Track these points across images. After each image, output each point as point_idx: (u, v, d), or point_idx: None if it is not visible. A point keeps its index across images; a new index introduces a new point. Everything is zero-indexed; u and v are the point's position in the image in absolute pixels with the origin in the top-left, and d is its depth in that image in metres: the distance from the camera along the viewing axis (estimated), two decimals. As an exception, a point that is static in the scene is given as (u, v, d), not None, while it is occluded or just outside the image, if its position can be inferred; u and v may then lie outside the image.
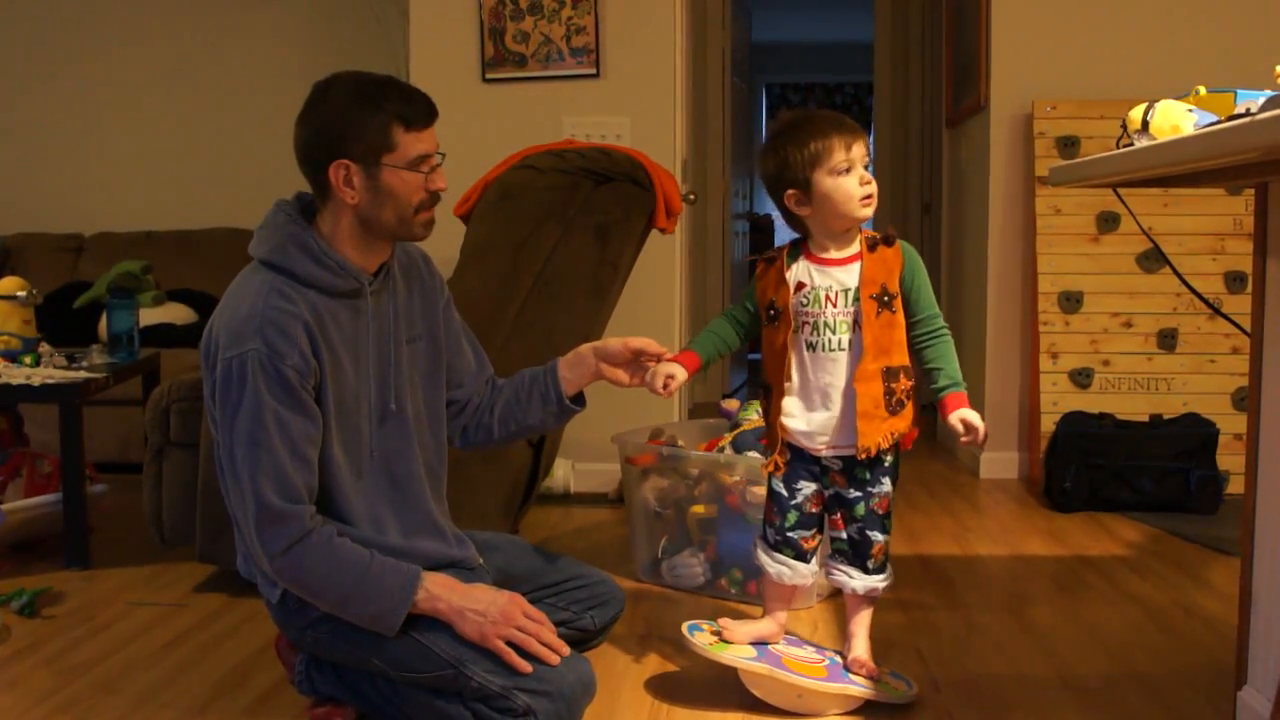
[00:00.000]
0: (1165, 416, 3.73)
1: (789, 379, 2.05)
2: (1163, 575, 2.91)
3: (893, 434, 2.01)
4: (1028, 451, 4.08)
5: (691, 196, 3.60)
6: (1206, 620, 2.55)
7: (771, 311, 2.06)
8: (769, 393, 2.10)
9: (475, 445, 2.18)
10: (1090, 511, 3.60)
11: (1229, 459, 3.60)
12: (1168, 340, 3.90)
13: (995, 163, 4.10)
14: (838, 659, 2.16)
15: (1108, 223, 3.95)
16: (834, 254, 2.02)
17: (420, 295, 2.05)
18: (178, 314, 4.52)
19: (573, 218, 2.98)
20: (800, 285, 2.03)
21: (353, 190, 1.84)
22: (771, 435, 2.12)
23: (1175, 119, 1.67)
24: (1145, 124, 1.72)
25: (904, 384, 2.00)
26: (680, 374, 2.05)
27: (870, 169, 2.02)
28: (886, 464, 2.06)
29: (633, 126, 3.80)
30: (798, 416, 2.05)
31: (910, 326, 2.01)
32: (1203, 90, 1.72)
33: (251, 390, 1.75)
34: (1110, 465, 3.59)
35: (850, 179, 1.97)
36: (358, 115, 1.81)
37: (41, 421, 3.46)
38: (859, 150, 1.97)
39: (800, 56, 10.09)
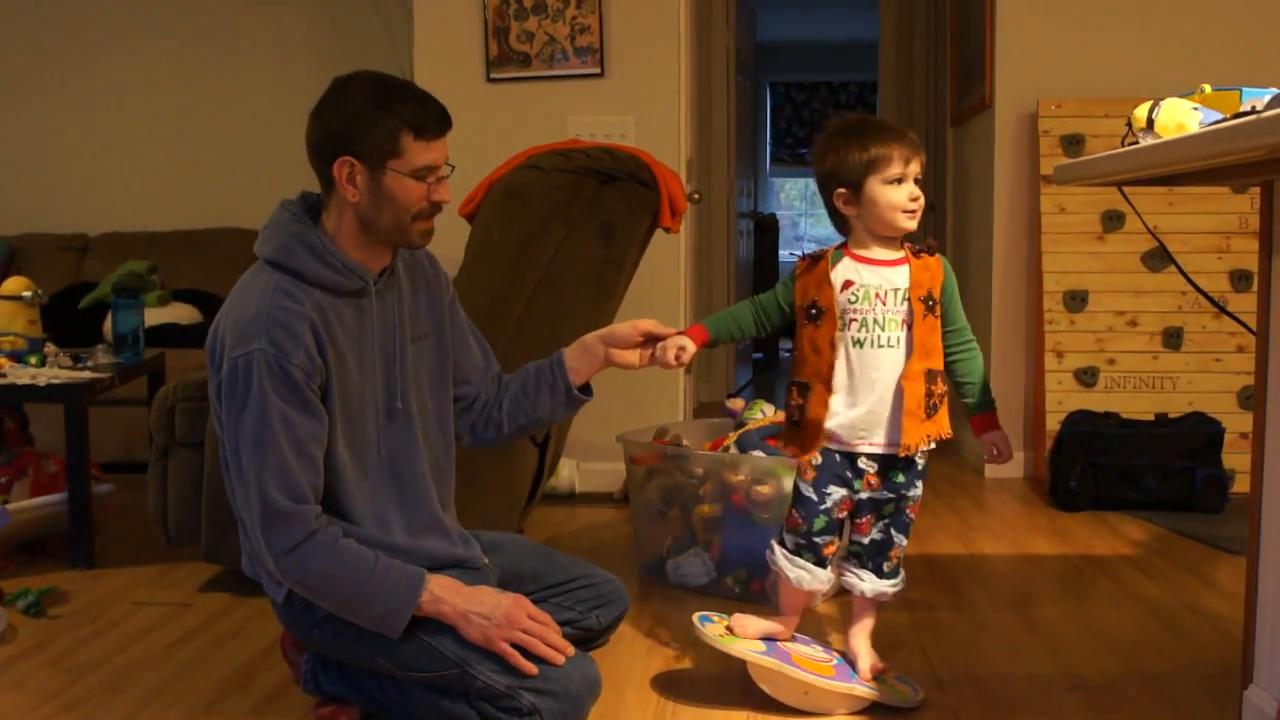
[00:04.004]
0: (1170, 415, 3.73)
1: (834, 376, 2.05)
2: (1168, 574, 2.91)
3: (928, 437, 2.02)
4: (1033, 450, 4.07)
5: (696, 196, 3.60)
6: (1212, 619, 2.55)
7: (813, 310, 2.06)
8: (805, 391, 2.07)
9: (484, 442, 2.18)
10: (1095, 510, 3.59)
11: (1234, 458, 3.59)
12: (1173, 339, 3.89)
13: (1000, 161, 4.10)
14: (845, 660, 2.16)
15: (1113, 221, 3.94)
16: (880, 255, 2.05)
17: (425, 293, 2.05)
18: (183, 314, 4.53)
19: (577, 217, 2.98)
20: (848, 283, 2.04)
21: (354, 189, 1.84)
22: (806, 434, 2.08)
23: (1180, 117, 1.67)
24: (1150, 122, 1.72)
25: (940, 388, 2.03)
26: (690, 346, 2.08)
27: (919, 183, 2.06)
28: (919, 468, 2.08)
29: (637, 126, 3.79)
30: (841, 414, 2.05)
31: (943, 336, 2.05)
32: (1208, 88, 1.71)
33: (257, 390, 1.75)
34: (1115, 464, 3.58)
35: (900, 190, 2.00)
36: (369, 116, 1.81)
37: (47, 421, 3.45)
38: (915, 166, 2.02)
39: (805, 56, 10.09)
